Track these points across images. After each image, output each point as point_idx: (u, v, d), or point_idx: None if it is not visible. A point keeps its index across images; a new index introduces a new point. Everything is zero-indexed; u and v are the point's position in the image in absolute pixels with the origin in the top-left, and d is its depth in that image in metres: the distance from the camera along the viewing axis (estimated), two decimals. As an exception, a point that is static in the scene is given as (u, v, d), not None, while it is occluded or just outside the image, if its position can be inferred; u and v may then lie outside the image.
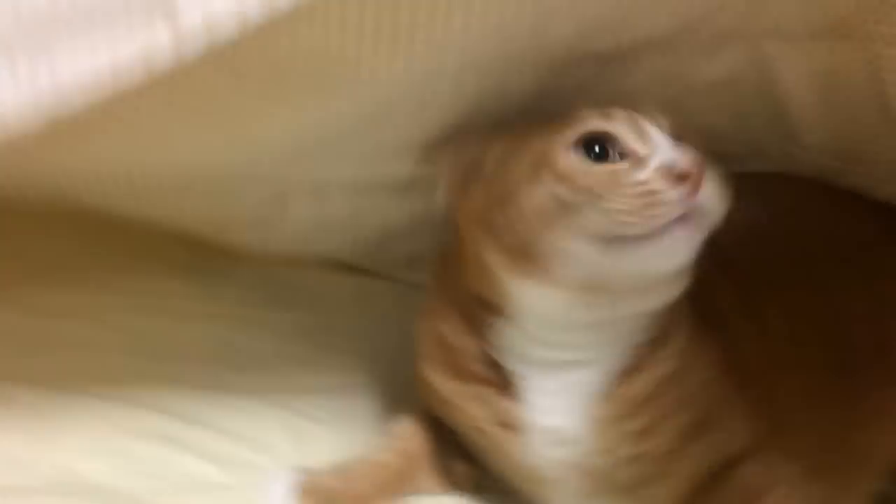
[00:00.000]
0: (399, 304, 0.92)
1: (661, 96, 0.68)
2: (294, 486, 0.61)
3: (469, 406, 0.64)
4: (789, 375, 0.69)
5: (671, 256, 0.54)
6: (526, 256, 0.56)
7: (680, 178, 0.52)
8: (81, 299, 0.76)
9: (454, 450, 0.70)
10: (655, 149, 0.55)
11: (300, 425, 0.71)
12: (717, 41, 0.65)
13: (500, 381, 0.62)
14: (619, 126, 0.56)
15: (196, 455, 0.63)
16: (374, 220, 0.83)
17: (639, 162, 0.54)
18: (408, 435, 0.69)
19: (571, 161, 0.55)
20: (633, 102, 0.59)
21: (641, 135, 0.56)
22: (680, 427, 0.61)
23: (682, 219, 0.52)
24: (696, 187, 0.51)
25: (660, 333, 0.61)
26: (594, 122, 0.56)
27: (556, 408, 0.61)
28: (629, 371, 0.61)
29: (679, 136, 0.57)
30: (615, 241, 0.53)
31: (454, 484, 0.70)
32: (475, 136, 0.63)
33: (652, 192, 0.52)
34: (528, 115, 0.64)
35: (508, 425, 0.62)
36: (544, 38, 0.61)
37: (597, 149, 0.55)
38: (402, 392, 0.80)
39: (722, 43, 0.66)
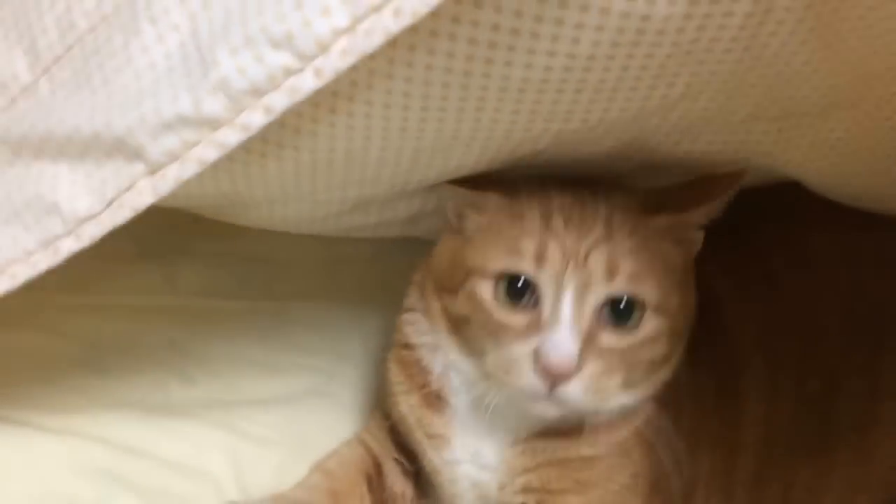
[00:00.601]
0: (370, 282, 0.92)
1: (642, 161, 0.66)
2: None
3: (406, 409, 0.69)
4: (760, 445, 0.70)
5: (533, 412, 0.60)
6: (456, 326, 0.63)
7: (545, 371, 0.56)
8: (37, 300, 0.77)
9: (397, 468, 0.74)
10: (556, 321, 0.57)
11: (243, 451, 0.73)
12: (693, 127, 0.61)
13: (439, 390, 0.67)
14: (543, 277, 0.58)
15: (135, 494, 0.66)
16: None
17: (536, 325, 0.58)
18: (340, 473, 0.72)
19: (487, 294, 0.60)
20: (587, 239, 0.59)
21: (557, 299, 0.57)
22: None
23: (542, 397, 0.57)
24: (553, 384, 0.56)
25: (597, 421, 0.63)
26: (524, 264, 0.59)
27: (477, 431, 0.66)
28: (549, 432, 0.64)
29: (614, 296, 0.58)
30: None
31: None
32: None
33: (516, 372, 0.57)
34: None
35: (434, 437, 0.68)
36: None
37: (519, 283, 0.59)
38: (358, 393, 0.83)
39: (699, 128, 0.61)
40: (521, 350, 0.57)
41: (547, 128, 0.56)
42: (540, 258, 0.58)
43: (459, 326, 0.62)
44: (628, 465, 0.64)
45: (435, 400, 0.67)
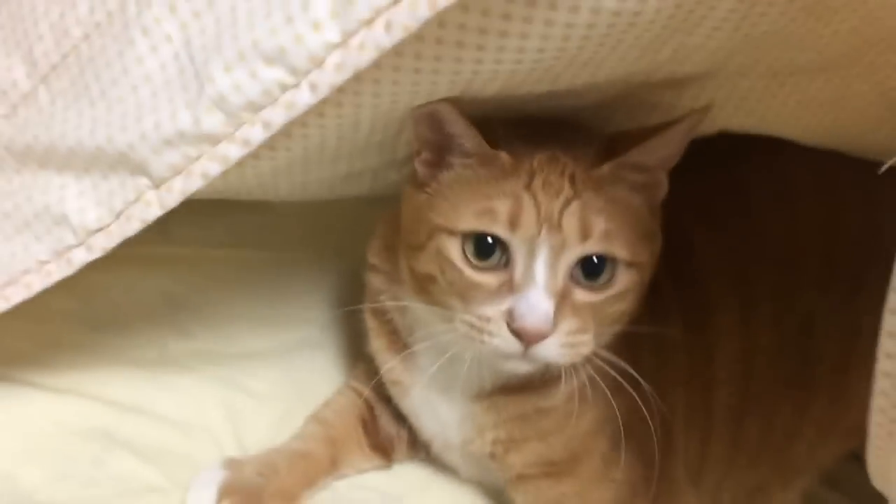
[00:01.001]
0: (363, 229, 0.90)
1: (630, 111, 0.65)
2: (220, 486, 0.66)
3: (376, 352, 0.70)
4: (736, 380, 0.71)
5: (504, 369, 0.60)
6: (422, 285, 0.61)
7: (520, 333, 0.54)
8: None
9: (388, 410, 0.75)
10: (530, 283, 0.55)
11: (239, 404, 0.74)
12: (681, 80, 0.60)
13: (406, 341, 0.68)
14: (515, 240, 0.56)
15: (132, 452, 0.67)
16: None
17: (509, 285, 0.56)
18: (336, 420, 0.74)
19: (455, 252, 0.58)
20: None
21: (530, 261, 0.56)
22: (537, 455, 0.66)
23: (516, 356, 0.56)
24: (528, 344, 0.55)
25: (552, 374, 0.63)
26: (497, 227, 0.57)
27: (439, 386, 0.67)
28: (510, 387, 0.65)
29: (587, 255, 0.57)
30: None
31: (384, 453, 0.76)
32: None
33: (489, 332, 0.55)
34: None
35: (396, 383, 0.70)
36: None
37: (489, 240, 0.57)
38: (354, 343, 0.82)
39: (687, 81, 0.60)
40: (493, 311, 0.56)
41: (534, 89, 0.56)
42: (514, 221, 0.56)
43: (426, 285, 0.60)
44: (589, 410, 0.64)
45: (402, 348, 0.68)
